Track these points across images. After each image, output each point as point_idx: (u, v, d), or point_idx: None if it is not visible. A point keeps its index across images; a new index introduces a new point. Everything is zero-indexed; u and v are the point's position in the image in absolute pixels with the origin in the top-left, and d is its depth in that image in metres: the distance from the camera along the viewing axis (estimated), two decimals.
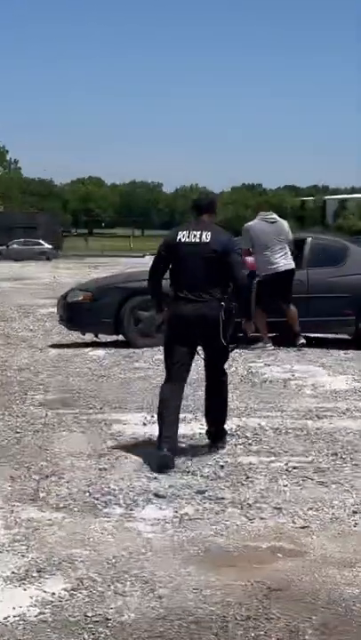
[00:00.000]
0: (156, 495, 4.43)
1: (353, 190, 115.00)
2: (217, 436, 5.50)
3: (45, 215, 72.81)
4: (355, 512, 4.19)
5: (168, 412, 5.22)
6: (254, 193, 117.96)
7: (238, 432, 5.80)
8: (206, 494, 4.45)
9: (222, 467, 4.96)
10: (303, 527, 3.99)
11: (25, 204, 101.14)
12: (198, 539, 3.83)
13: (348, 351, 9.70)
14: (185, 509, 4.23)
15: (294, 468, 4.96)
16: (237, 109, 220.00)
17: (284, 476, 4.80)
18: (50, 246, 55.33)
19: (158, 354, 9.16)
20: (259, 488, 4.57)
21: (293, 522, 4.06)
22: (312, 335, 10.42)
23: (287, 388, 7.57)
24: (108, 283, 10.62)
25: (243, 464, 5.04)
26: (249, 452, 5.30)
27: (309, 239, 10.48)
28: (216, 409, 5.54)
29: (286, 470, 4.91)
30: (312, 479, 4.75)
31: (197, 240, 5.24)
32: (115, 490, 4.52)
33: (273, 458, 5.18)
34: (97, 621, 3.01)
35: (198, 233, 5.27)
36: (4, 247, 53.57)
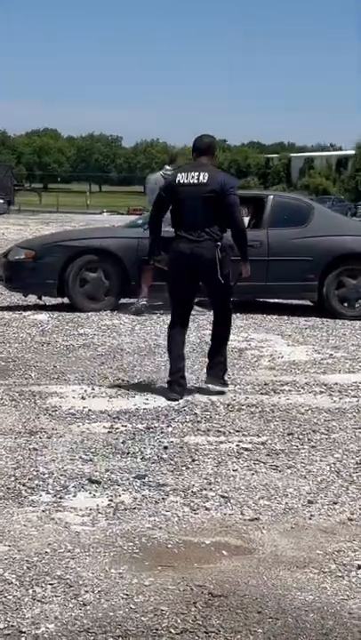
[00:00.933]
0: (90, 480, 4.11)
1: (320, 148, 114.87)
2: (215, 372, 5.93)
3: None
4: (310, 502, 3.92)
5: (176, 347, 5.94)
6: (218, 149, 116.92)
7: (186, 408, 5.51)
8: (146, 480, 4.15)
9: (166, 448, 4.66)
10: (252, 519, 3.71)
11: None
12: (134, 532, 3.53)
13: (310, 318, 9.46)
14: (121, 497, 3.92)
15: (246, 449, 4.67)
16: (202, 64, 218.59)
17: (234, 459, 4.51)
18: (1, 200, 54.26)
19: (105, 319, 8.85)
20: (205, 473, 4.28)
21: (242, 513, 3.78)
22: (271, 301, 10.15)
23: (243, 358, 7.30)
24: (53, 240, 10.22)
25: (189, 445, 4.74)
26: (197, 432, 5.01)
27: (270, 197, 10.17)
28: (216, 340, 6.10)
29: (237, 452, 4.62)
30: (265, 463, 4.47)
31: (196, 181, 5.63)
32: (44, 474, 4.20)
33: (223, 438, 4.89)
34: (8, 634, 2.70)
35: (197, 174, 5.65)
36: None
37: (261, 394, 5.99)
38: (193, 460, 4.46)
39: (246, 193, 12.21)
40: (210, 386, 5.94)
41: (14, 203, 61.68)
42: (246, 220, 10.08)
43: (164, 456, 4.53)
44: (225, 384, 5.96)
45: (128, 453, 4.57)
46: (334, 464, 4.46)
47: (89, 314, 9.39)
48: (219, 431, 5.01)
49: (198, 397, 5.78)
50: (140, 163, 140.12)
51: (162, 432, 4.97)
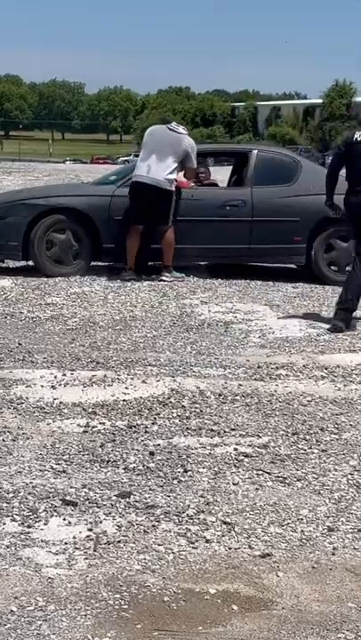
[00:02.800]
0: (64, 502, 3.45)
1: (285, 97, 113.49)
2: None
3: None
4: (330, 529, 3.30)
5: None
6: (182, 97, 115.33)
7: (172, 399, 4.84)
8: (132, 499, 3.49)
9: (152, 454, 4.00)
10: (264, 556, 3.08)
11: None
12: (120, 578, 2.88)
13: (298, 284, 8.84)
14: (102, 525, 3.27)
15: (246, 455, 4.03)
16: (166, 8, 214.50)
17: (234, 469, 3.87)
18: None
19: (75, 285, 8.14)
20: (201, 488, 3.63)
21: (250, 546, 3.15)
22: (255, 264, 9.50)
23: (229, 333, 6.65)
24: (16, 198, 9.43)
25: (179, 449, 4.09)
26: (187, 431, 4.35)
27: (254, 152, 9.46)
28: None
29: (236, 460, 3.98)
30: (270, 473, 3.83)
31: None
32: (9, 492, 3.53)
33: (217, 439, 4.24)
34: None
35: None
36: None
37: (256, 379, 5.35)
38: (185, 471, 3.82)
39: (227, 147, 11.50)
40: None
41: None
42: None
43: (151, 465, 3.88)
44: None
45: (108, 462, 3.90)
46: (352, 475, 3.84)
47: (57, 279, 8.68)
48: (212, 430, 4.36)
49: (186, 385, 5.13)
50: (103, 110, 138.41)
51: (146, 432, 4.31)
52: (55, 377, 5.21)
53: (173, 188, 8.67)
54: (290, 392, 5.08)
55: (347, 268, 9.00)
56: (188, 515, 3.37)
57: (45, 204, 8.90)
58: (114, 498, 3.50)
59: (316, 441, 4.26)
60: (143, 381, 5.14)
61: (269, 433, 4.35)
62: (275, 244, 9.15)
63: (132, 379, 5.22)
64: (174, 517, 3.35)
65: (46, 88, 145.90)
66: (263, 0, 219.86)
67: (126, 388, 5.01)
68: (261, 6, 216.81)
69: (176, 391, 4.99)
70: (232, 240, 9.08)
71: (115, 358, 5.72)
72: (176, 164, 8.70)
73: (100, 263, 9.26)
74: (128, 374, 5.32)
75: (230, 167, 10.67)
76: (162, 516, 3.36)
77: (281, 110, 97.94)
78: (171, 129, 8.96)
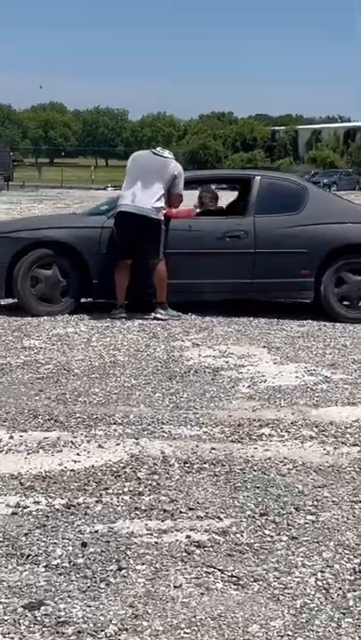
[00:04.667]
0: None
1: (328, 120, 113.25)
2: None
3: None
4: None
5: None
6: (224, 122, 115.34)
7: (128, 468, 4.21)
8: (42, 611, 2.87)
9: (85, 544, 3.37)
10: None
11: None
12: None
13: (305, 322, 8.18)
14: None
15: (198, 545, 3.39)
16: (208, 35, 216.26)
17: (180, 565, 3.23)
18: None
19: (59, 326, 7.57)
20: (132, 593, 3.00)
21: None
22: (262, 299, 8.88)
23: (216, 382, 6.02)
24: (0, 230, 8.87)
25: (120, 536, 3.46)
26: (135, 512, 3.72)
27: (257, 178, 8.84)
28: None
29: (185, 551, 3.35)
30: (222, 570, 3.19)
31: None
32: None
33: (169, 523, 3.60)
34: None
35: None
36: None
37: (233, 441, 4.71)
38: (119, 569, 3.18)
39: (228, 173, 10.92)
40: None
41: (13, 179, 61.16)
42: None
43: (80, 560, 3.25)
44: None
45: (29, 556, 3.28)
46: (322, 572, 3.18)
47: (42, 319, 8.12)
48: (165, 511, 3.72)
49: (149, 450, 4.50)
50: (146, 136, 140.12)
51: (86, 513, 3.68)
52: (11, 437, 4.61)
53: (162, 217, 8.08)
54: (269, 457, 4.43)
55: (360, 305, 8.39)
56: (106, 635, 2.73)
57: (29, 237, 8.35)
58: (20, 610, 2.87)
59: (288, 524, 3.60)
60: (100, 445, 4.53)
61: (233, 514, 3.70)
62: (280, 277, 8.52)
63: (88, 442, 4.61)
64: (88, 638, 2.71)
65: (90, 115, 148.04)
66: (309, 28, 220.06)
67: (78, 454, 4.40)
68: (306, 35, 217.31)
69: (136, 458, 4.37)
70: (233, 274, 8.48)
71: (78, 415, 5.12)
72: (163, 191, 8.12)
73: (91, 300, 8.67)
74: (86, 436, 4.71)
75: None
76: (72, 638, 2.72)
77: (321, 134, 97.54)
78: (155, 153, 8.39)
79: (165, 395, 5.67)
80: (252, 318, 8.37)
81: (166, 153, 8.36)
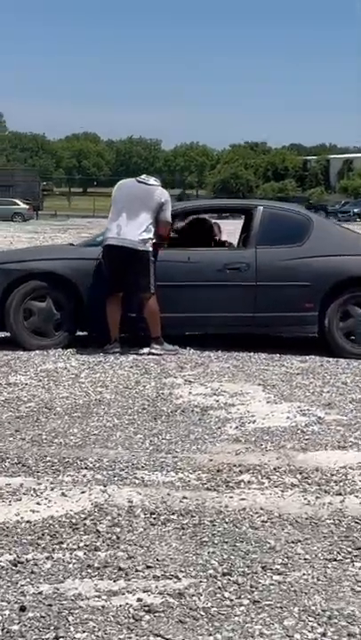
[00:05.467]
0: None
1: None
2: None
3: (24, 173, 72.23)
4: None
5: None
6: (257, 151, 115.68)
7: (89, 520, 3.95)
8: None
9: (24, 609, 3.12)
10: None
11: (15, 161, 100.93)
12: None
13: (307, 357, 7.90)
14: None
15: (149, 610, 3.14)
16: (242, 65, 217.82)
17: (124, 634, 2.98)
18: (26, 206, 53.94)
19: (49, 361, 7.34)
20: None
21: None
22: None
23: (203, 422, 5.75)
24: None
25: (65, 599, 3.19)
26: (87, 570, 3.46)
27: (260, 208, 8.60)
28: None
29: (133, 617, 3.10)
30: None
31: None
32: None
33: (122, 583, 3.33)
34: None
35: None
36: None
37: (208, 489, 4.43)
38: (56, 638, 2.90)
39: (231, 203, 10.72)
40: None
41: (43, 208, 61.89)
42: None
43: (14, 627, 3.01)
44: None
45: None
46: None
47: (32, 354, 7.90)
48: (120, 569, 3.45)
49: (116, 498, 4.24)
50: (179, 166, 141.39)
51: (33, 572, 3.42)
52: None
53: (150, 248, 7.84)
54: (244, 508, 4.15)
55: None
56: None
57: (22, 268, 8.16)
58: None
59: (251, 586, 3.32)
60: (63, 494, 4.27)
61: (194, 573, 3.43)
62: (283, 311, 8.26)
63: (52, 489, 4.35)
64: None
65: (123, 145, 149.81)
66: (345, 56, 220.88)
67: (38, 503, 4.14)
68: (342, 63, 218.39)
69: (99, 508, 4.11)
70: (234, 308, 8.23)
71: (49, 458, 4.87)
72: (151, 221, 7.88)
73: (86, 333, 8.45)
74: (51, 482, 4.46)
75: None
76: None
77: (353, 163, 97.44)
78: (140, 181, 8.16)
79: (147, 436, 5.41)
80: (252, 353, 8.10)
81: (152, 180, 8.12)
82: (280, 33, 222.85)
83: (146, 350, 7.93)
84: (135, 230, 7.77)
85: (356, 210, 59.44)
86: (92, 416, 5.86)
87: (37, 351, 8.00)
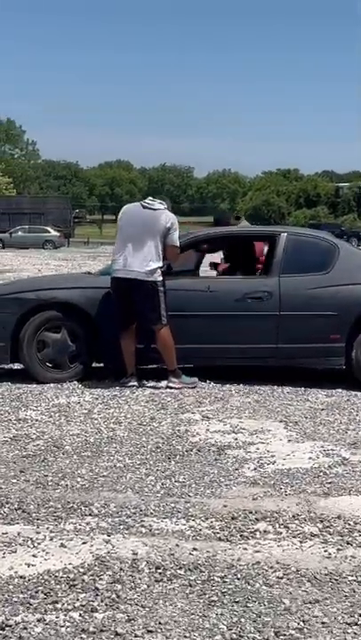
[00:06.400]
0: None
1: None
2: None
3: (56, 200, 72.84)
4: None
5: None
6: (289, 178, 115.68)
7: (88, 575, 3.66)
8: None
9: None
10: None
11: (49, 189, 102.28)
12: None
13: (335, 392, 7.58)
14: None
15: None
16: (274, 92, 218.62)
17: None
18: (57, 234, 54.21)
19: (63, 395, 7.09)
20: None
21: None
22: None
23: (219, 462, 5.45)
24: (6, 290, 8.45)
25: None
26: (80, 634, 3.17)
27: (284, 235, 8.32)
28: None
29: None
30: None
31: None
32: None
33: None
34: None
35: None
36: (7, 235, 52.51)
37: (220, 539, 4.13)
38: None
39: (254, 230, 10.46)
40: None
41: (74, 235, 62.23)
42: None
43: None
44: None
45: None
46: None
47: (45, 387, 7.65)
48: (117, 634, 3.17)
49: (119, 550, 3.95)
50: (211, 192, 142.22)
51: (20, 637, 3.13)
52: None
53: (158, 278, 7.55)
54: (258, 562, 3.85)
55: None
56: None
57: (36, 297, 7.92)
58: None
59: None
60: (63, 544, 3.99)
61: (200, 639, 3.11)
62: (307, 342, 7.95)
63: (51, 539, 4.06)
64: None
65: (156, 172, 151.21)
66: None
67: (34, 555, 3.86)
68: None
69: (101, 561, 3.82)
70: (255, 339, 7.94)
71: (52, 503, 4.59)
72: (157, 249, 7.59)
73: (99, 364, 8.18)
74: (52, 531, 4.17)
75: None
76: None
77: None
78: (145, 206, 7.86)
79: (159, 478, 5.12)
80: (275, 387, 7.79)
81: (157, 204, 7.80)
82: (311, 58, 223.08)
83: (163, 384, 7.65)
84: (141, 261, 7.50)
85: None
86: (103, 455, 5.58)
87: (51, 384, 7.72)
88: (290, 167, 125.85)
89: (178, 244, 7.67)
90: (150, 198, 7.93)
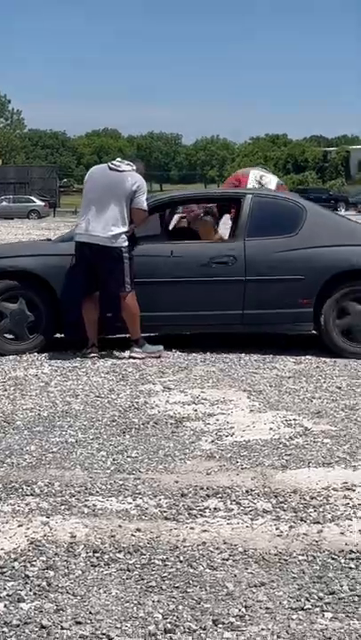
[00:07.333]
0: None
1: None
2: None
3: (41, 169, 72.26)
4: None
5: None
6: (278, 144, 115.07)
7: (19, 561, 3.44)
8: None
9: None
10: None
11: (36, 158, 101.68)
12: None
13: (303, 358, 7.37)
14: None
15: None
16: (260, 58, 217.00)
17: None
18: (42, 203, 53.78)
19: (21, 367, 6.86)
20: None
21: None
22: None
23: (176, 436, 5.23)
24: None
25: None
26: (1, 629, 2.92)
27: (249, 197, 8.05)
28: None
29: None
30: None
31: None
32: None
33: None
34: None
35: None
36: None
37: (167, 518, 3.91)
38: None
39: (218, 192, 10.18)
40: None
41: (60, 205, 61.78)
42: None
43: None
44: None
45: None
46: None
47: (4, 359, 7.40)
48: (42, 627, 2.95)
49: (57, 532, 3.73)
50: (200, 160, 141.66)
51: None
52: None
53: (123, 244, 7.28)
54: (204, 542, 3.62)
55: None
56: None
57: None
58: None
59: None
60: (14, 528, 3.74)
61: (131, 630, 2.90)
62: (274, 308, 7.70)
63: None
64: None
65: (144, 140, 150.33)
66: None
67: None
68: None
69: (35, 545, 3.59)
70: (221, 305, 7.68)
71: None
72: (122, 213, 7.31)
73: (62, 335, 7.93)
74: None
75: None
76: None
77: None
78: (112, 168, 7.57)
79: (111, 453, 4.89)
80: (243, 354, 7.57)
81: (123, 165, 7.50)
82: (299, 18, 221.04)
83: (126, 354, 7.40)
84: (104, 225, 7.22)
85: None
86: (55, 431, 5.35)
87: (10, 356, 7.48)
88: (277, 132, 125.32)
89: (145, 207, 7.37)
90: (119, 159, 7.65)
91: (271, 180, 9.16)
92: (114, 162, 7.58)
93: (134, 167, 7.46)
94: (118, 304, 7.31)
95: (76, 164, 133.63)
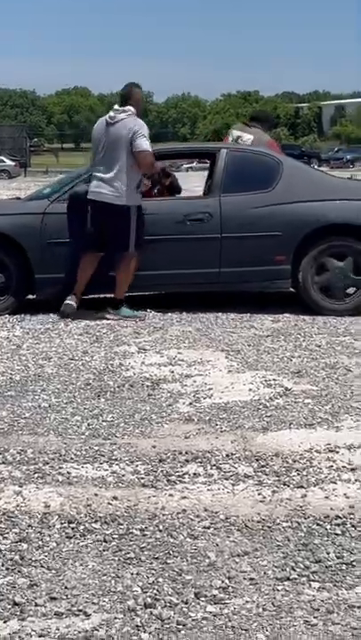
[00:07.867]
0: None
1: (355, 95, 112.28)
2: None
3: (10, 128, 71.38)
4: None
5: None
6: (250, 100, 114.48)
7: None
8: None
9: None
10: None
11: (5, 118, 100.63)
12: None
13: (281, 316, 7.22)
14: None
15: None
16: (231, 12, 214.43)
17: None
18: (12, 163, 53.02)
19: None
20: None
21: None
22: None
23: (152, 398, 5.08)
24: None
25: None
26: None
27: (224, 152, 7.85)
28: None
29: None
30: None
31: None
32: None
33: (13, 625, 2.67)
34: None
35: None
36: None
37: (145, 485, 3.76)
38: None
39: (191, 146, 9.96)
40: None
41: (30, 165, 61.21)
42: None
43: None
44: None
45: None
46: None
47: None
48: (15, 603, 2.80)
49: (30, 502, 3.58)
50: (171, 117, 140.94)
51: None
52: None
53: (132, 202, 7.07)
54: (184, 510, 3.48)
55: (350, 294, 7.37)
56: None
57: None
58: None
59: (178, 623, 2.67)
60: None
61: (109, 605, 2.76)
62: (251, 266, 7.54)
63: None
64: None
65: (115, 98, 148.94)
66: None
67: None
68: (335, 6, 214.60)
69: (8, 517, 3.44)
70: (196, 264, 7.51)
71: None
72: (128, 168, 7.08)
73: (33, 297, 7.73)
74: None
75: None
76: None
77: (346, 109, 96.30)
78: (109, 122, 7.29)
79: (85, 418, 4.74)
80: (220, 314, 7.41)
81: (119, 114, 7.21)
82: None
83: (99, 314, 7.23)
84: (109, 181, 7.04)
85: (348, 156, 58.71)
86: (27, 395, 5.18)
87: None
88: (250, 89, 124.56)
89: (145, 147, 7.09)
90: (115, 107, 7.36)
91: (249, 140, 8.93)
92: (110, 113, 7.30)
93: (131, 111, 7.17)
94: (113, 262, 7.12)
95: (46, 123, 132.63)
